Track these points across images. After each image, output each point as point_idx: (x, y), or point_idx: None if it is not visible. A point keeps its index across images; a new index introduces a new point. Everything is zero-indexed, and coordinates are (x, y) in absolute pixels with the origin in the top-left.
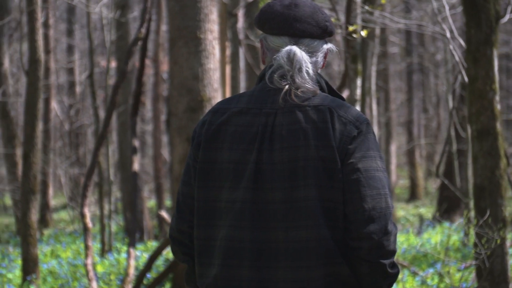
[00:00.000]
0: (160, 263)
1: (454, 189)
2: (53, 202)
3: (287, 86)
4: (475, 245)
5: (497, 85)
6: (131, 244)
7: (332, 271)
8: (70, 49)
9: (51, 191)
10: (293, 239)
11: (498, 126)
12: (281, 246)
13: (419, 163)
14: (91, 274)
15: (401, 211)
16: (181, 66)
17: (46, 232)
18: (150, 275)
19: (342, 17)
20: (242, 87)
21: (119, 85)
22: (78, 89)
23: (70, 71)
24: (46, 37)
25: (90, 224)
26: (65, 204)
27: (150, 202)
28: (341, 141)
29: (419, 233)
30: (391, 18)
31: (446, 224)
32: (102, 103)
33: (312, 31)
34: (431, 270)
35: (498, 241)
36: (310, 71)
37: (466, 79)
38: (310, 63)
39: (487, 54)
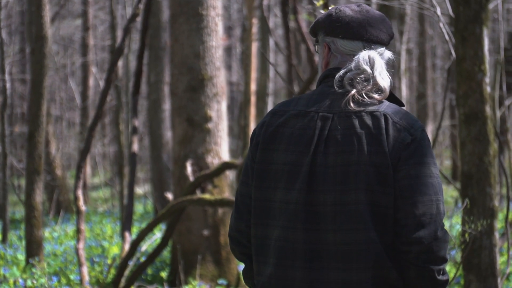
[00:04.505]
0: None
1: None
2: (95, 180)
3: (354, 91)
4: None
5: (486, 66)
6: (126, 227)
7: (380, 274)
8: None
9: (88, 169)
10: (342, 241)
11: (487, 109)
12: (331, 248)
13: None
14: (82, 259)
15: None
16: (182, 43)
17: None
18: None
19: None
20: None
21: (115, 63)
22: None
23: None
24: (85, 13)
25: (83, 207)
26: (104, 182)
27: None
28: (394, 147)
29: (450, 217)
30: None
31: None
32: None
33: (383, 38)
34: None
35: (467, 235)
36: (388, 76)
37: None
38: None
39: (476, 33)
